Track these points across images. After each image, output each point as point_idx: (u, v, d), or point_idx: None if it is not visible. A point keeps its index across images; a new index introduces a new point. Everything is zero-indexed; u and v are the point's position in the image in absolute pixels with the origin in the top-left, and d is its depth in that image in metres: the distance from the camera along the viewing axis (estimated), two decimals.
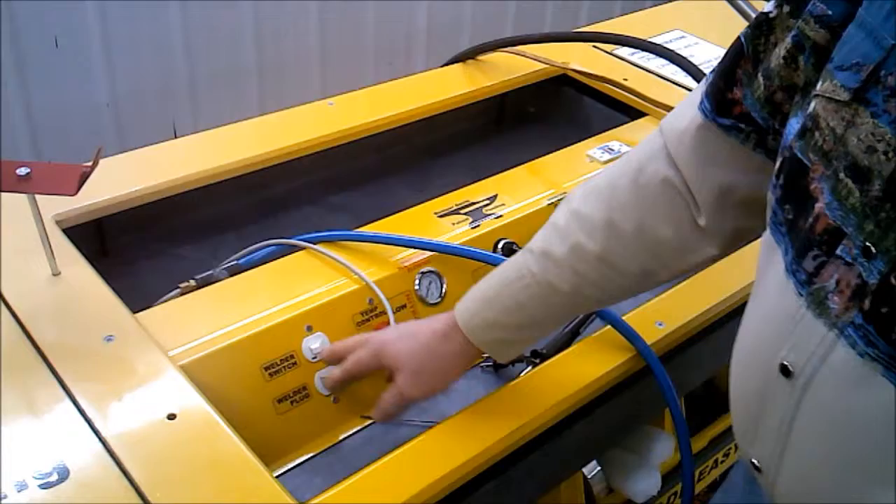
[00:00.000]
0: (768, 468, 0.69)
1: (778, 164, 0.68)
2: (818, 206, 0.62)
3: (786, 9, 0.71)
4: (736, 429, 0.75)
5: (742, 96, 0.76)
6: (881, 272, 0.57)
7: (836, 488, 0.63)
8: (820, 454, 0.64)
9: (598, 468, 1.16)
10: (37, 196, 0.89)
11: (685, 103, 0.83)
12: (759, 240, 1.12)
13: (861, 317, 0.58)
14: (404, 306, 1.05)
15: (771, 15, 0.73)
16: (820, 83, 0.64)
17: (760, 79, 0.74)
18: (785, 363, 0.64)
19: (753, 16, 1.39)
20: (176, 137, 1.35)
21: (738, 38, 0.77)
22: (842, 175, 0.60)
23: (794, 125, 0.68)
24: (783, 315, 0.65)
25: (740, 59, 0.76)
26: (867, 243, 0.58)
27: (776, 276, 0.66)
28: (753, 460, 0.71)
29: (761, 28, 0.74)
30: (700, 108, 0.79)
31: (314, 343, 0.98)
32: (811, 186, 0.63)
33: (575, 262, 0.84)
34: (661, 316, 1.04)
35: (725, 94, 0.77)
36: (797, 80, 0.71)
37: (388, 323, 1.02)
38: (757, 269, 0.73)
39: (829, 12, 0.66)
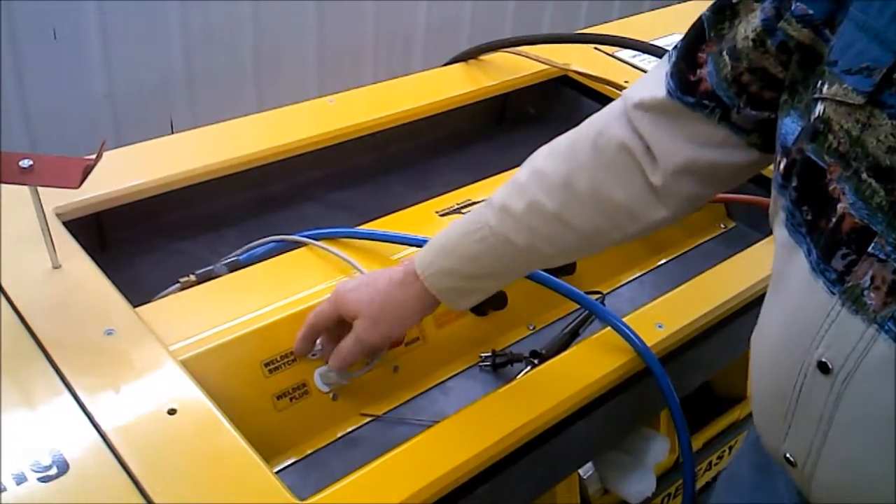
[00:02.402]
0: (804, 462, 0.70)
1: (783, 164, 0.70)
2: (841, 206, 0.63)
3: (763, 2, 0.73)
4: (763, 425, 0.77)
5: (706, 74, 0.78)
6: None
7: (878, 479, 0.65)
8: (861, 446, 0.65)
9: (594, 469, 1.16)
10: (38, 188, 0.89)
11: (650, 77, 0.85)
12: (759, 244, 1.13)
13: None
14: None
15: (734, 0, 0.75)
16: (826, 87, 0.65)
17: (727, 58, 0.76)
18: (823, 360, 0.65)
19: None
20: (173, 132, 1.34)
21: (700, 19, 0.79)
22: (864, 176, 0.61)
23: (790, 125, 0.69)
24: (815, 313, 0.66)
25: (702, 42, 0.78)
26: None
27: (800, 276, 0.67)
28: (787, 455, 0.72)
29: (724, 13, 0.77)
30: (665, 86, 0.81)
31: None
32: (830, 188, 0.64)
33: (531, 219, 0.86)
34: (661, 318, 1.04)
35: (688, 74, 0.79)
36: (767, 65, 0.73)
37: None
38: (774, 270, 0.74)
39: (811, 11, 0.68)
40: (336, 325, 0.94)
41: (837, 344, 0.64)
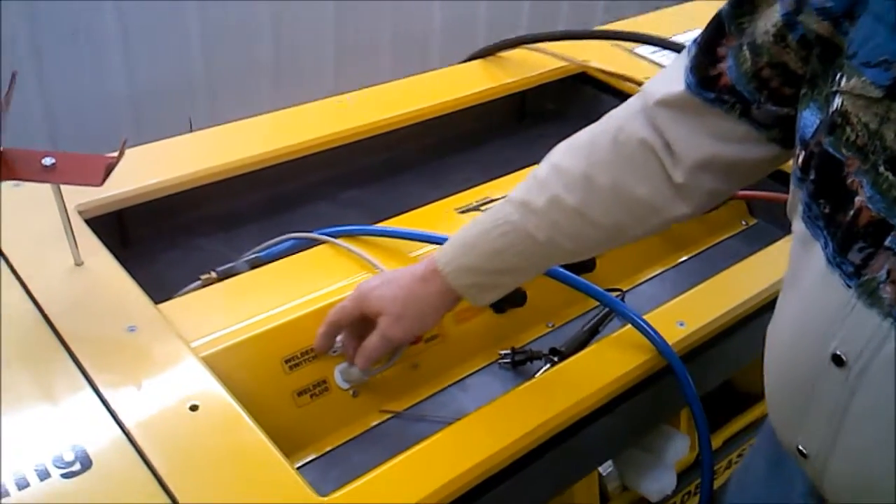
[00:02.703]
0: (817, 454, 0.70)
1: (802, 157, 0.70)
2: (858, 199, 0.63)
3: None
4: (776, 418, 0.77)
5: (727, 69, 0.78)
6: None
7: (889, 472, 0.64)
8: (875, 439, 0.65)
9: (613, 467, 1.16)
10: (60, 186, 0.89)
11: (669, 71, 0.85)
12: (781, 241, 1.12)
13: None
14: None
15: None
16: (844, 80, 0.64)
17: (747, 53, 0.76)
18: (838, 353, 0.65)
19: None
20: (192, 131, 1.35)
21: (718, 14, 0.79)
22: (881, 169, 0.61)
23: (809, 118, 0.69)
24: (831, 307, 0.66)
25: (721, 37, 0.78)
26: None
27: (817, 269, 0.67)
28: (800, 447, 0.72)
29: (743, 6, 0.76)
30: (685, 80, 0.81)
31: None
32: (848, 181, 0.64)
33: (552, 213, 0.87)
34: (683, 316, 1.03)
35: (708, 69, 0.79)
36: (788, 59, 0.73)
37: None
38: (791, 263, 0.74)
39: (830, 4, 0.67)
40: (358, 322, 0.95)
41: (853, 337, 0.64)
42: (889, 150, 0.60)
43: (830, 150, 0.65)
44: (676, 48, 1.43)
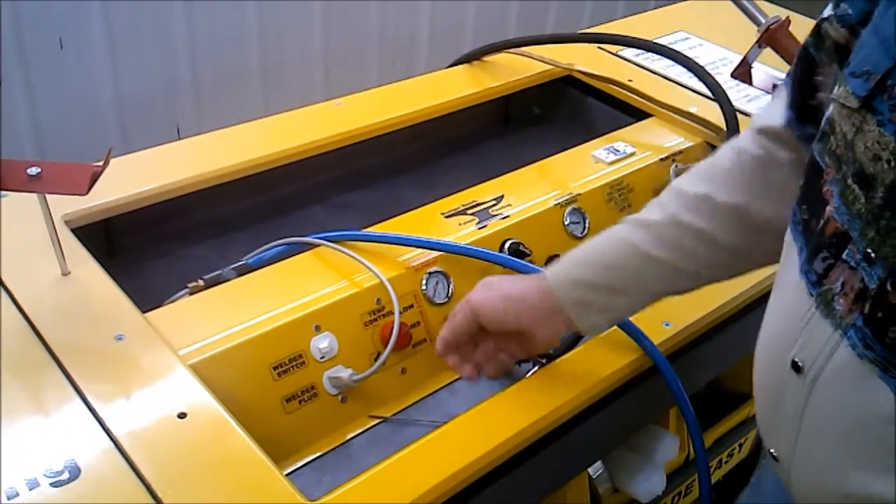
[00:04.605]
0: (784, 458, 0.71)
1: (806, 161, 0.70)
2: (828, 209, 0.64)
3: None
4: (759, 421, 0.78)
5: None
6: (880, 278, 0.59)
7: (841, 477, 0.65)
8: (827, 446, 0.66)
9: (604, 468, 1.16)
10: (46, 196, 0.90)
11: (769, 107, 0.85)
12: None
13: (862, 319, 0.60)
14: (411, 306, 1.06)
15: (825, 16, 0.74)
16: (836, 87, 0.65)
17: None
18: (796, 360, 0.66)
19: (758, 16, 1.40)
20: (179, 138, 1.35)
21: (804, 47, 0.77)
22: (850, 181, 0.62)
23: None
24: (796, 314, 0.67)
25: (815, 67, 0.76)
26: (868, 249, 0.60)
27: (792, 275, 0.68)
28: (772, 451, 0.74)
29: (820, 31, 0.75)
30: (785, 117, 0.81)
31: (322, 343, 0.98)
32: (824, 189, 0.64)
33: (667, 230, 0.85)
34: (668, 316, 1.04)
35: (807, 100, 0.78)
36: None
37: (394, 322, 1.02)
38: (779, 266, 0.75)
39: (850, 11, 0.68)
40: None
41: (809, 345, 0.65)
42: (858, 163, 0.61)
43: (817, 156, 0.66)
44: (660, 50, 1.44)
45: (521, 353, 0.94)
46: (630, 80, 1.52)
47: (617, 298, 0.88)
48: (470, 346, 0.93)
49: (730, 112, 1.33)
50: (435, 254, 1.08)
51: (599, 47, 1.64)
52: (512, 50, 1.57)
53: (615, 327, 1.00)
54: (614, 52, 1.63)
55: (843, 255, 0.62)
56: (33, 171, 0.86)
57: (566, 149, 1.35)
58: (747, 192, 0.84)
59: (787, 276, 0.70)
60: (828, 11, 0.74)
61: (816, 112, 0.76)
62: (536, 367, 1.03)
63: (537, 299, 0.88)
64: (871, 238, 0.59)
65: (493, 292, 0.90)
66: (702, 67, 1.39)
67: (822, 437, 0.66)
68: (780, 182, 0.82)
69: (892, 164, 0.58)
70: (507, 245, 1.14)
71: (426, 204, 1.20)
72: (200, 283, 1.03)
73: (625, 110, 1.51)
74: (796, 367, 0.66)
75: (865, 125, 0.61)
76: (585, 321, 0.89)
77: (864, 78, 0.61)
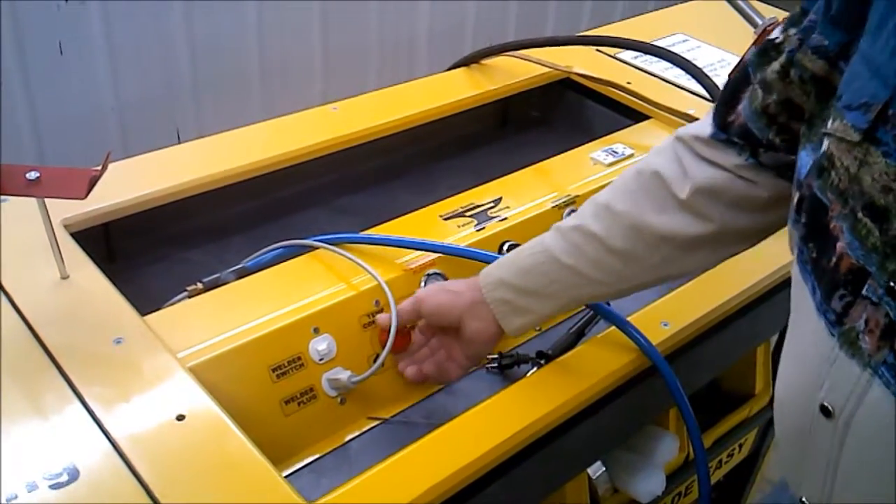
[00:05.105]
0: None
1: (796, 199, 0.69)
2: (839, 245, 0.62)
3: (794, 35, 0.73)
4: (783, 468, 0.77)
5: (742, 109, 0.80)
6: None
7: None
8: (867, 490, 0.65)
9: (603, 469, 1.16)
10: (45, 200, 0.90)
11: (704, 118, 0.87)
12: (763, 241, 1.12)
13: (893, 356, 0.58)
14: None
15: (777, 41, 0.75)
16: (830, 122, 0.64)
17: (759, 90, 0.77)
18: (825, 404, 0.65)
19: (756, 18, 1.40)
20: (179, 142, 1.35)
21: (742, 61, 0.80)
22: (860, 214, 0.60)
23: (805, 159, 0.68)
24: (819, 355, 0.65)
25: (747, 83, 0.79)
26: (891, 283, 0.58)
27: (809, 316, 0.66)
28: (803, 499, 0.72)
29: (769, 55, 0.76)
30: (711, 125, 0.84)
31: (321, 345, 0.98)
32: (831, 225, 0.63)
33: (576, 237, 0.90)
34: (666, 316, 1.04)
35: (729, 114, 0.81)
36: (793, 95, 0.73)
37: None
38: (791, 306, 0.73)
39: (826, 42, 0.67)
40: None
41: (837, 388, 0.63)
42: (867, 196, 0.59)
43: (818, 193, 0.64)
44: (658, 53, 1.44)
45: (463, 356, 0.98)
46: (628, 83, 1.52)
47: (536, 302, 0.93)
48: (424, 350, 1.00)
49: None
50: (433, 256, 1.09)
51: (598, 50, 1.64)
52: (510, 53, 1.57)
53: (614, 327, 1.01)
54: (612, 54, 1.63)
55: (864, 292, 0.60)
56: (32, 175, 0.87)
57: (564, 151, 1.35)
58: (640, 199, 0.87)
59: (802, 317, 0.68)
60: (777, 34, 0.75)
61: (731, 125, 0.81)
62: (535, 369, 1.03)
63: (469, 292, 0.95)
64: (893, 271, 0.58)
65: (438, 288, 1.00)
66: (700, 69, 1.40)
67: (860, 481, 0.65)
68: (668, 189, 0.86)
69: None
70: (505, 247, 1.14)
71: (424, 206, 1.21)
72: (199, 286, 1.03)
73: (623, 112, 1.52)
74: (826, 411, 0.64)
75: (869, 157, 0.59)
76: (507, 321, 0.94)
77: (863, 110, 0.60)
